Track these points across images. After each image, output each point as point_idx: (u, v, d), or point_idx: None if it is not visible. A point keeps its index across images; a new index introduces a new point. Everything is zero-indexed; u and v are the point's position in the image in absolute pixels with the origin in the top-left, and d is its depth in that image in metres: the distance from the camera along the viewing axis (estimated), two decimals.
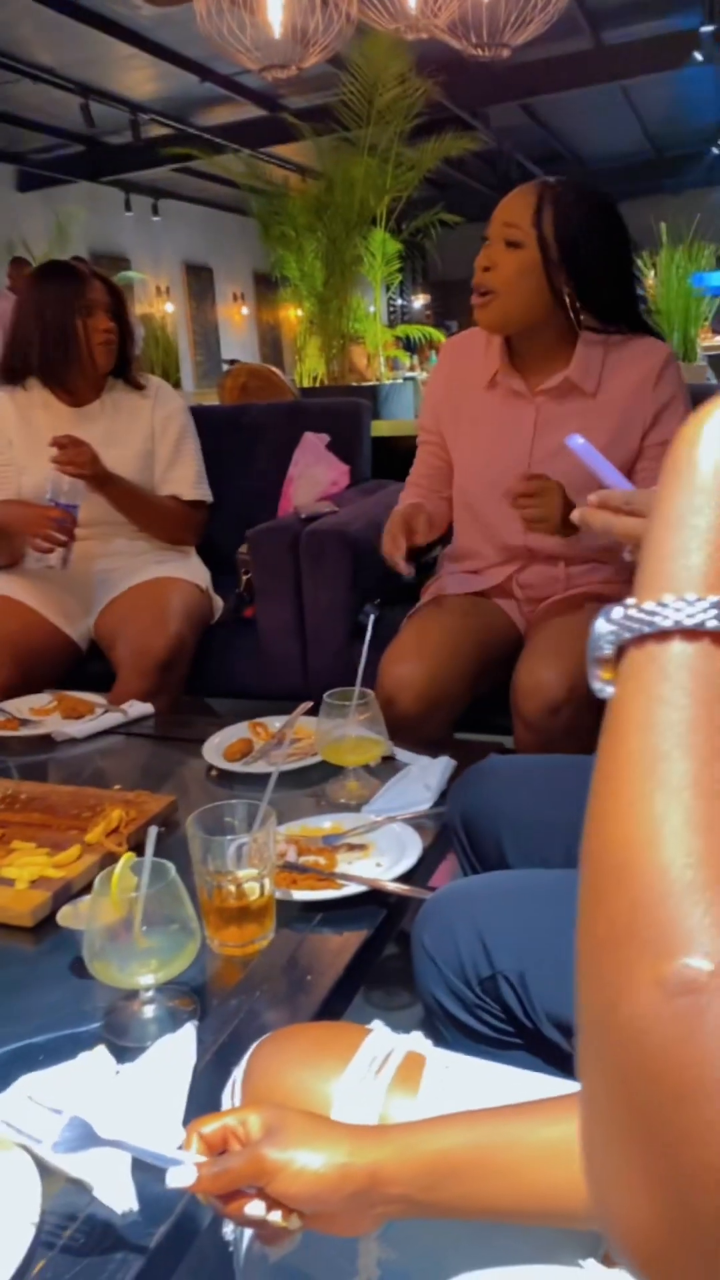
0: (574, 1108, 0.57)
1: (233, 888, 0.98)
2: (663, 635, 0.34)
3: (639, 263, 5.71)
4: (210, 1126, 0.62)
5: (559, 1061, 0.84)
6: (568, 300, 1.63)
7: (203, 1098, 0.80)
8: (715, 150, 11.31)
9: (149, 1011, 0.91)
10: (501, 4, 3.70)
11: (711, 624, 0.33)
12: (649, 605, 0.35)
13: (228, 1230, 0.69)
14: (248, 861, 0.99)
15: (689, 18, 7.02)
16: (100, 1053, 0.83)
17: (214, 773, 1.45)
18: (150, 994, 0.91)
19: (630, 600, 0.35)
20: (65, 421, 2.13)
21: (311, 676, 2.16)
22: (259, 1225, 0.59)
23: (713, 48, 7.14)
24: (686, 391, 1.70)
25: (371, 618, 1.89)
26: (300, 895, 1.06)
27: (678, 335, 3.48)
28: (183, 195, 11.40)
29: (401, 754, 1.43)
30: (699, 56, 7.10)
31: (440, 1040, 0.85)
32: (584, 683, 1.52)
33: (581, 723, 1.55)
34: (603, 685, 0.37)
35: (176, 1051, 0.83)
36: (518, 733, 1.62)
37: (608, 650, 0.37)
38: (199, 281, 12.28)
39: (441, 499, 1.89)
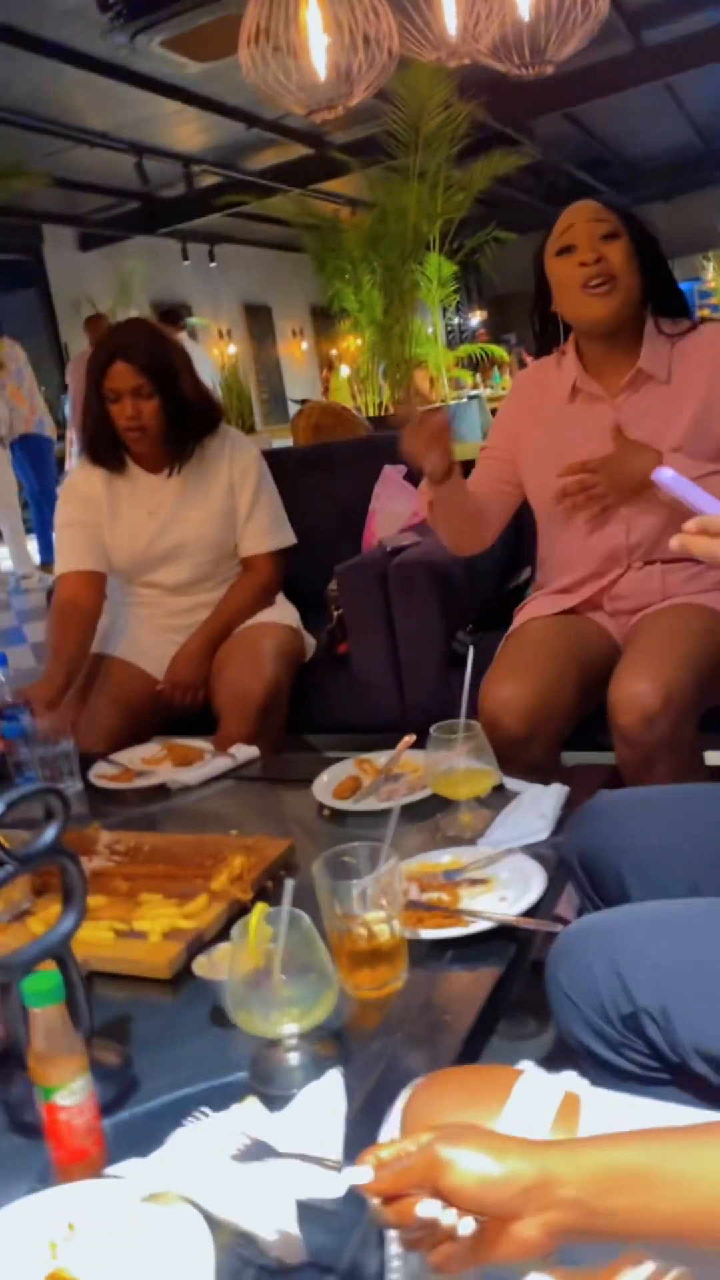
0: None
1: (363, 931, 0.99)
2: None
3: (702, 262, 5.66)
4: (387, 1152, 0.64)
5: (709, 1096, 0.83)
6: (646, 293, 1.70)
7: (357, 1146, 0.81)
8: None
9: (294, 1059, 0.92)
10: (542, 22, 3.71)
11: None
12: None
13: (394, 1252, 0.70)
14: (374, 904, 1.01)
15: None
16: (252, 1104, 0.84)
17: (326, 812, 1.47)
18: (294, 1041, 0.92)
19: None
20: (144, 488, 2.17)
21: (409, 708, 2.17)
22: (430, 1230, 0.60)
23: None
24: None
25: (465, 648, 1.90)
26: (428, 934, 1.06)
27: None
28: (237, 239, 11.65)
29: (511, 783, 1.43)
30: None
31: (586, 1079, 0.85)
32: (680, 692, 1.52)
33: (680, 734, 1.53)
34: None
35: (326, 1098, 0.84)
36: (618, 749, 1.60)
37: None
38: (258, 321, 12.51)
39: (486, 504, 1.88)
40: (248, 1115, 0.83)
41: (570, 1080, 0.70)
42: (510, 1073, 0.71)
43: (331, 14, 4.07)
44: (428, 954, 1.06)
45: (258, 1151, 0.75)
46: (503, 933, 1.07)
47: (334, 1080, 0.86)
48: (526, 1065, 0.72)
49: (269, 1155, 0.74)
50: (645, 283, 1.69)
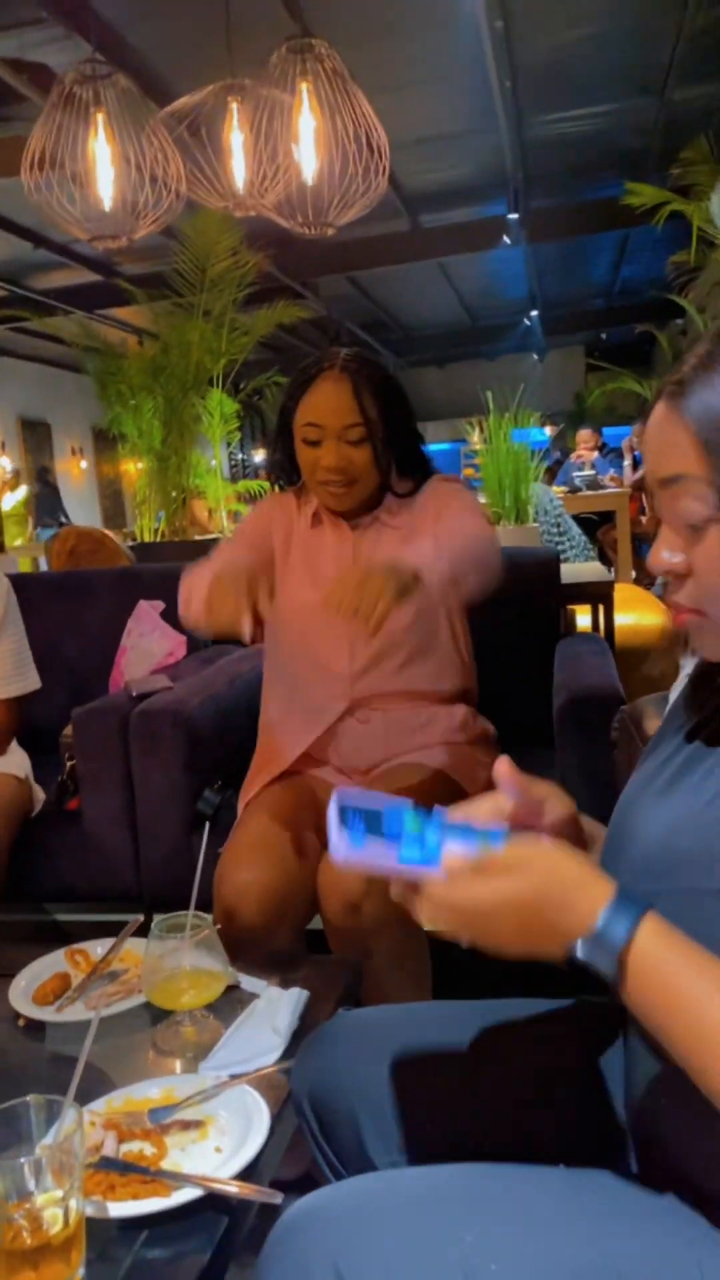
0: None
1: (25, 1223, 0.77)
2: None
3: (467, 427, 6.05)
4: None
5: None
6: (385, 466, 1.69)
7: None
8: (526, 322, 12.32)
9: None
10: (325, 188, 3.86)
11: None
12: None
13: None
14: (49, 1178, 0.79)
15: (497, 205, 7.68)
16: None
17: (22, 1021, 1.22)
18: None
19: None
20: None
21: (145, 874, 1.95)
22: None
23: (518, 233, 7.81)
24: (465, 489, 1.81)
25: (211, 809, 1.72)
26: (118, 1210, 0.84)
27: (509, 495, 3.59)
28: (18, 353, 11.41)
29: (247, 981, 1.25)
30: (507, 240, 7.73)
31: None
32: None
33: (388, 916, 1.40)
34: None
35: None
36: (328, 936, 1.47)
37: None
38: (35, 436, 12.19)
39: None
40: None
41: None
42: None
43: (120, 149, 4.09)
44: (117, 1236, 0.84)
45: None
46: (213, 1200, 0.87)
47: None
48: None
49: None
50: (383, 471, 1.68)
